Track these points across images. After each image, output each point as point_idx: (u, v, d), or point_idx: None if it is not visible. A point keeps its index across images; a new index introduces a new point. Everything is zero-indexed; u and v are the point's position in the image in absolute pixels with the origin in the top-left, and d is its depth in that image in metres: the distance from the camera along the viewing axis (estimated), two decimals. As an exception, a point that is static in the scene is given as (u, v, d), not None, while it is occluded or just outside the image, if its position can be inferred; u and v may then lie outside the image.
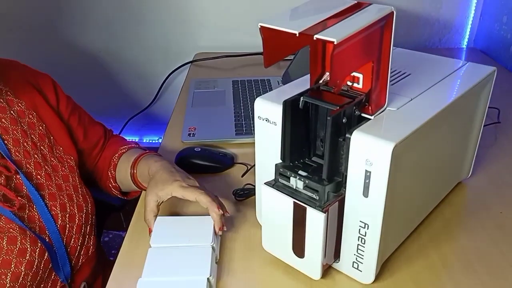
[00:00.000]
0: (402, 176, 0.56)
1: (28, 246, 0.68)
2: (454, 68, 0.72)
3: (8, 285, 0.65)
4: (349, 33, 0.47)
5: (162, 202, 0.71)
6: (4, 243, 0.65)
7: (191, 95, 1.17)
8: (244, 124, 1.01)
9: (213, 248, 0.65)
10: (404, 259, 0.66)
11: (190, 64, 1.41)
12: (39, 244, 0.69)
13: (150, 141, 1.67)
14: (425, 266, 0.65)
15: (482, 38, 1.49)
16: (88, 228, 0.79)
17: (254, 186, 0.72)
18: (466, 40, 1.53)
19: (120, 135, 0.96)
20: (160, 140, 1.66)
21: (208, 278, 0.60)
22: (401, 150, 0.53)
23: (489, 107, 0.78)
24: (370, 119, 0.58)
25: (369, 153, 0.53)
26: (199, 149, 0.89)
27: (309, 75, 0.63)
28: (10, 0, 1.44)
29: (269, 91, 1.17)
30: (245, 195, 0.79)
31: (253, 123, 1.00)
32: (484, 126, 0.78)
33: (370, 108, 0.58)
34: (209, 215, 0.68)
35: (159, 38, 1.50)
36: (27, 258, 0.67)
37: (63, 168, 0.78)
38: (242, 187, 0.81)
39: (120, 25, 1.49)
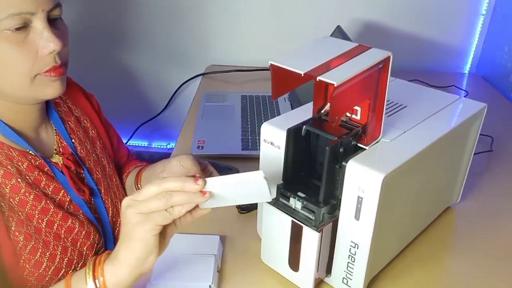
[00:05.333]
0: (391, 202, 0.62)
1: (92, 230, 0.76)
2: (448, 103, 0.78)
3: (74, 261, 0.73)
4: (348, 76, 0.53)
5: None
6: (77, 225, 0.74)
7: (201, 107, 1.23)
8: (250, 139, 1.07)
9: (215, 257, 0.71)
10: (391, 277, 0.72)
11: (201, 76, 1.48)
12: (98, 230, 0.78)
13: (159, 146, 1.74)
14: (410, 285, 0.71)
15: (484, 65, 1.54)
16: None
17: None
18: (468, 66, 1.58)
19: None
20: (168, 146, 1.72)
21: (210, 286, 0.66)
22: (391, 180, 0.58)
23: (483, 135, 0.83)
24: (365, 149, 0.64)
25: (361, 181, 0.59)
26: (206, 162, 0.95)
27: (312, 103, 0.69)
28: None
29: (276, 107, 1.25)
30: (247, 209, 0.85)
31: (259, 138, 1.07)
32: (477, 154, 0.84)
33: (365, 139, 0.64)
34: (215, 234, 0.77)
35: (173, 48, 1.57)
36: (90, 240, 0.75)
37: (109, 169, 0.87)
38: (245, 200, 0.87)
39: (137, 34, 1.56)
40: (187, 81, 1.51)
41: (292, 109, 1.20)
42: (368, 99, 0.60)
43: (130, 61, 1.61)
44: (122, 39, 1.57)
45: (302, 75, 0.54)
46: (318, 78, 0.53)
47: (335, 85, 0.51)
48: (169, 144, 1.73)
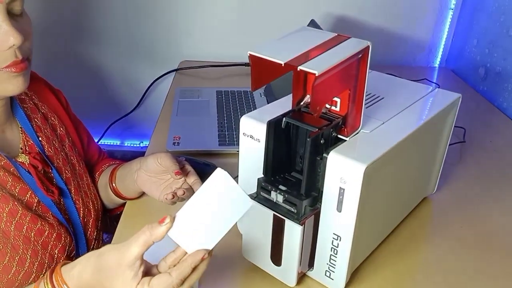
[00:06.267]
0: (372, 193, 0.62)
1: (62, 232, 0.73)
2: (424, 94, 0.78)
3: (45, 264, 0.70)
4: (329, 65, 0.52)
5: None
6: (47, 227, 0.70)
7: (176, 103, 1.21)
8: (227, 135, 1.05)
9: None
10: (373, 268, 0.72)
11: (175, 72, 1.45)
12: (69, 232, 0.75)
13: (132, 145, 1.70)
14: (391, 275, 0.71)
15: (453, 58, 1.58)
16: (100, 224, 0.85)
17: (236, 196, 0.76)
18: (438, 59, 1.61)
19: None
20: (141, 145, 1.69)
21: (191, 283, 0.64)
22: (372, 171, 0.58)
23: (456, 127, 0.84)
24: (345, 140, 0.63)
25: (343, 173, 0.58)
26: (183, 159, 0.93)
27: (291, 95, 0.68)
28: None
29: (252, 102, 1.23)
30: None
31: (236, 134, 1.05)
32: (450, 145, 0.85)
33: (346, 130, 0.63)
34: None
35: (144, 44, 1.54)
36: (62, 243, 0.72)
37: (79, 168, 0.84)
38: (224, 196, 0.85)
39: (106, 29, 1.51)
40: (159, 77, 1.47)
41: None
42: (348, 89, 0.60)
43: (99, 57, 1.56)
44: (91, 34, 1.52)
45: (283, 65, 0.53)
46: (299, 68, 0.52)
47: (316, 75, 0.50)
48: (142, 142, 1.69)
